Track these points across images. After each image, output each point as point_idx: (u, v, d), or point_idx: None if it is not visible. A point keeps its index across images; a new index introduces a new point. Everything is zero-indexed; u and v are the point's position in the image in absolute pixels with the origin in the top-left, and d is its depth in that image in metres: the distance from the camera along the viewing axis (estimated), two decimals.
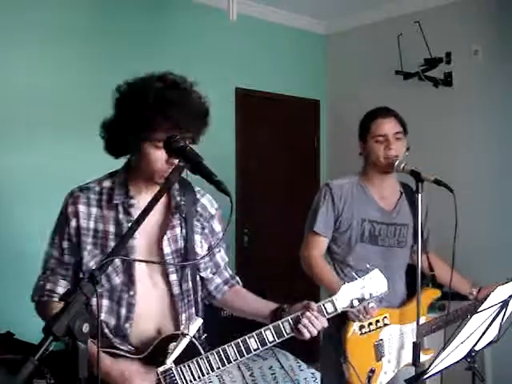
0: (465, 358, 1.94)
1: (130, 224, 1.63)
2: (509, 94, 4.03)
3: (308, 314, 1.66)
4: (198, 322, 1.62)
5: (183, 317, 1.72)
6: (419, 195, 2.24)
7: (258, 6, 4.68)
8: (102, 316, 1.66)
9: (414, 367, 2.23)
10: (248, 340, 1.63)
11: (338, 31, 5.15)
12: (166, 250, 1.70)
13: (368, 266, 1.80)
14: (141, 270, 1.69)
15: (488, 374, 3.80)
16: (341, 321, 2.36)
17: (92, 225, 1.68)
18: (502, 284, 2.47)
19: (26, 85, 3.55)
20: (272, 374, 3.40)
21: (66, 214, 1.69)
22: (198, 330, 1.70)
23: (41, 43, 3.62)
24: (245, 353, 1.63)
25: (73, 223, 1.68)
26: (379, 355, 2.38)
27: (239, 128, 4.70)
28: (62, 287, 1.69)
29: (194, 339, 1.65)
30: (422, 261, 2.49)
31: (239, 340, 1.63)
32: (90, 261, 1.66)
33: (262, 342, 1.64)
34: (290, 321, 1.66)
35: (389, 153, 2.41)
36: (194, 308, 1.75)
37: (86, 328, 1.13)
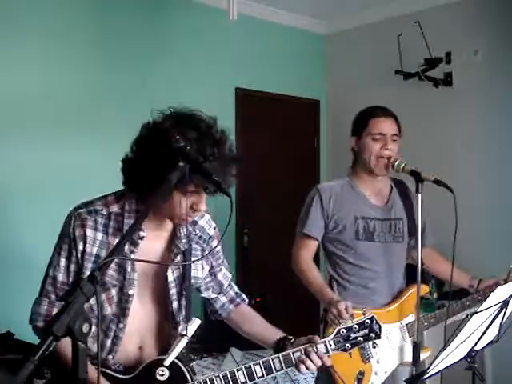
0: (465, 358, 1.94)
1: (132, 255, 1.61)
2: (509, 93, 4.03)
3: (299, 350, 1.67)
4: (196, 323, 1.62)
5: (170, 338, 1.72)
6: (419, 195, 2.24)
7: (258, 6, 4.68)
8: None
9: (414, 367, 2.23)
10: (236, 373, 1.62)
11: (337, 31, 5.15)
12: (170, 277, 1.70)
13: (364, 309, 1.81)
14: (136, 298, 1.66)
15: (488, 374, 3.80)
16: (324, 327, 2.39)
17: (95, 250, 1.62)
18: (504, 281, 2.50)
19: (26, 85, 3.55)
20: None
21: (74, 237, 1.63)
22: (194, 335, 1.70)
23: (40, 43, 3.62)
24: None
25: (80, 247, 1.62)
26: (366, 357, 2.37)
27: (239, 128, 4.69)
28: None
29: (182, 366, 1.64)
30: (415, 255, 2.51)
31: (228, 372, 1.62)
32: None
33: (251, 377, 1.63)
34: (281, 358, 1.66)
35: (385, 152, 2.40)
36: (180, 327, 1.74)
37: (86, 328, 1.13)
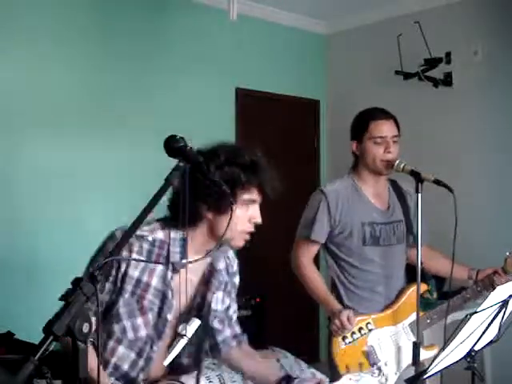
0: (464, 357, 1.94)
1: (173, 282, 1.65)
2: (509, 93, 4.03)
3: None
4: (196, 323, 1.61)
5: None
6: (419, 195, 2.24)
7: (258, 6, 4.68)
8: (114, 359, 1.65)
9: (414, 367, 2.23)
10: None
11: (338, 31, 5.15)
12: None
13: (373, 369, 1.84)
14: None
15: (488, 373, 3.80)
16: (329, 335, 2.41)
17: (137, 274, 1.64)
18: (502, 269, 2.51)
19: (27, 85, 3.56)
20: None
21: (119, 259, 1.63)
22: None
23: (40, 43, 3.62)
24: None
25: (122, 269, 1.64)
26: (373, 361, 2.37)
27: (239, 128, 4.70)
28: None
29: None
30: (412, 254, 2.51)
31: None
32: (123, 307, 1.64)
33: None
34: None
35: (388, 156, 2.40)
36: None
37: (86, 328, 1.13)
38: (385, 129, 2.42)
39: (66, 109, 3.70)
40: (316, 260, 2.57)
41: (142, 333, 1.65)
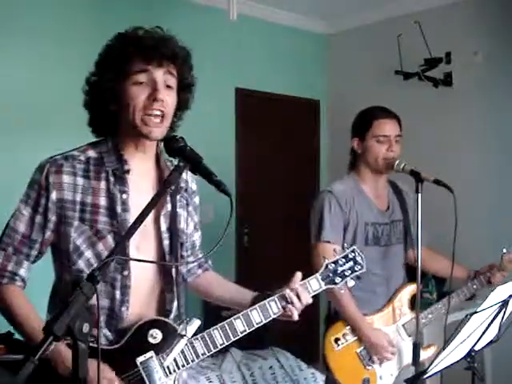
0: (465, 357, 1.94)
1: (123, 194, 1.54)
2: (509, 93, 4.03)
3: (292, 287, 1.66)
4: (196, 324, 1.59)
5: (174, 304, 1.64)
6: (419, 195, 2.24)
7: (258, 6, 4.68)
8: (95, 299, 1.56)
9: (414, 367, 2.23)
10: (234, 322, 1.58)
11: (338, 31, 5.15)
12: (163, 227, 1.62)
13: (346, 245, 1.84)
14: (133, 249, 1.57)
15: (488, 373, 3.81)
16: (326, 328, 2.40)
17: (79, 197, 1.52)
18: (499, 265, 2.51)
19: (26, 85, 3.55)
20: (272, 374, 3.40)
21: (46, 185, 1.52)
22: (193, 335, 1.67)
23: (40, 43, 3.62)
24: (231, 336, 1.57)
25: (53, 196, 1.52)
26: (367, 363, 2.37)
27: (239, 128, 4.70)
28: (24, 269, 1.56)
29: (172, 322, 1.57)
30: (410, 255, 2.52)
31: (225, 322, 1.57)
32: (78, 238, 1.52)
33: (249, 324, 1.59)
34: (276, 299, 1.64)
35: (390, 154, 2.41)
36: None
37: (86, 328, 1.13)
38: (388, 128, 2.43)
39: (66, 109, 3.69)
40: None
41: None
